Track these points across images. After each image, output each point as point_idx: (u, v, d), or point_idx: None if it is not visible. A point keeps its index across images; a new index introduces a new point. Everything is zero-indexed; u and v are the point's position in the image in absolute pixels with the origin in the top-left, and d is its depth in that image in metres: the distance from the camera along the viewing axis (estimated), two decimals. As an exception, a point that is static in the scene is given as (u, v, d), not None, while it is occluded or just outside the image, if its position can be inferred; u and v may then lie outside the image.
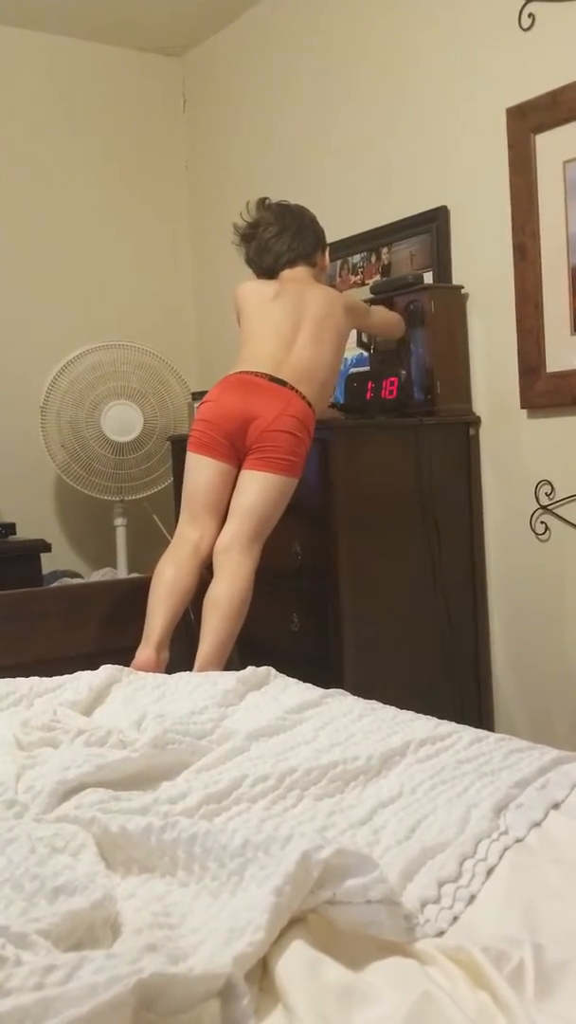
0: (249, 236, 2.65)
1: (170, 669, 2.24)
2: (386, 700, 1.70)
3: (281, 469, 2.41)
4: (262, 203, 2.67)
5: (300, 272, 2.61)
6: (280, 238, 2.61)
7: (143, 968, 0.70)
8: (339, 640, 2.58)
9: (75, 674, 1.90)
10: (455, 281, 2.85)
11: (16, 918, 0.83)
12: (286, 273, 2.61)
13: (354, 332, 2.92)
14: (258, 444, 2.41)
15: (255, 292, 2.61)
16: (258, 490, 2.41)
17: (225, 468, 2.47)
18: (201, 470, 2.50)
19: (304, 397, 2.45)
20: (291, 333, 2.52)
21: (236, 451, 2.46)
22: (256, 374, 2.48)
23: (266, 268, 2.64)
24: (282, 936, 0.85)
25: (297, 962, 0.82)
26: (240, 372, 2.50)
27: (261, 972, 0.84)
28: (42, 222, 3.68)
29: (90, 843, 1.00)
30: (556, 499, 2.64)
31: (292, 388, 2.45)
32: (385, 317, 2.77)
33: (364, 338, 2.96)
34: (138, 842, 1.01)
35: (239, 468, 2.46)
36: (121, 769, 1.26)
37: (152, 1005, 0.70)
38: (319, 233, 2.68)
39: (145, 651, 2.34)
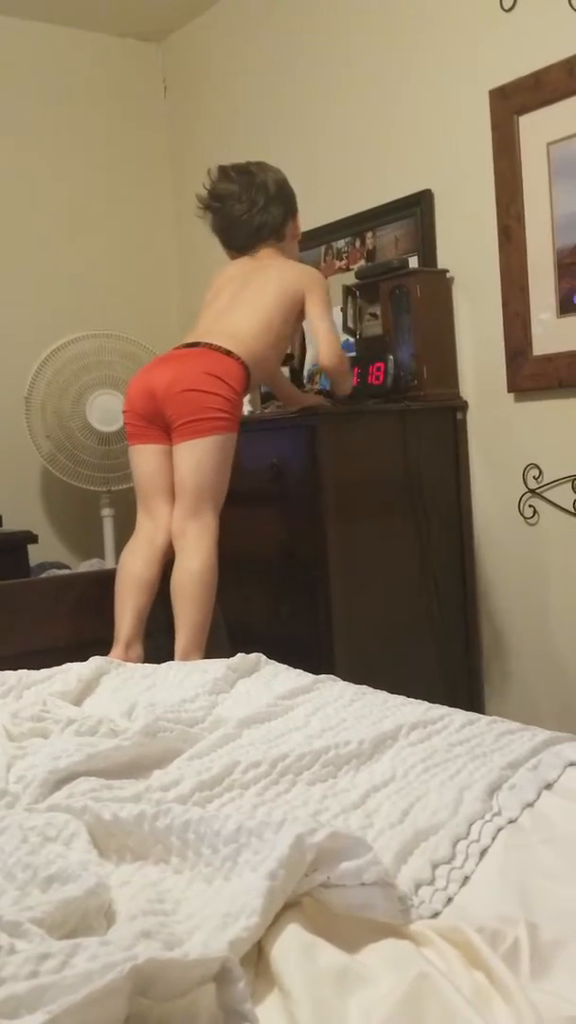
0: (216, 209, 2.57)
1: (158, 656, 2.24)
2: (377, 685, 1.70)
3: (204, 431, 2.32)
4: (224, 171, 2.57)
5: (266, 252, 2.56)
6: (248, 216, 2.53)
7: (137, 954, 0.69)
8: (329, 626, 2.58)
9: (64, 665, 1.89)
10: (440, 265, 2.84)
11: (9, 907, 0.82)
12: (252, 253, 2.57)
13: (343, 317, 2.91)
14: (173, 414, 2.34)
15: (218, 276, 2.59)
16: (188, 461, 2.34)
17: (159, 449, 2.42)
18: (138, 459, 2.46)
19: (219, 348, 2.35)
20: (227, 305, 2.47)
21: (162, 429, 2.40)
22: (174, 348, 2.45)
23: (235, 246, 2.59)
24: (277, 920, 0.85)
25: (292, 946, 0.82)
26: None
27: (257, 956, 0.83)
28: (23, 211, 3.65)
29: (82, 832, 0.99)
30: (544, 483, 2.64)
31: (206, 345, 2.37)
32: (329, 342, 2.46)
33: (351, 324, 2.94)
34: (131, 830, 1.00)
35: None
36: (112, 758, 1.26)
37: (147, 991, 0.70)
38: (287, 199, 2.58)
39: (115, 650, 2.33)
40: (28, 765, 1.23)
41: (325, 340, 2.48)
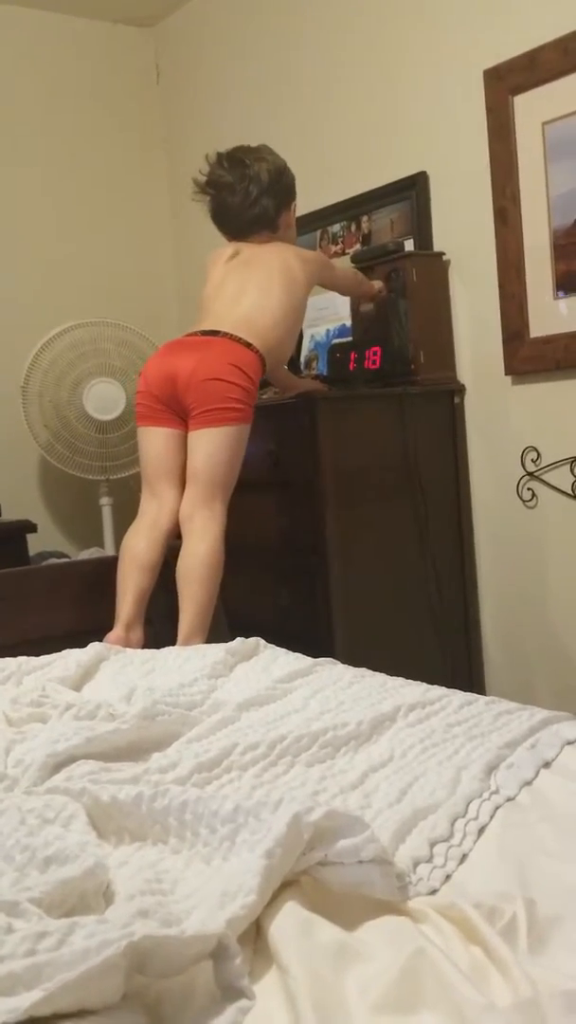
0: (212, 196, 2.57)
1: (157, 644, 2.24)
2: (376, 670, 1.70)
3: (222, 420, 2.34)
4: (220, 160, 2.56)
5: (266, 236, 2.56)
6: (243, 206, 2.52)
7: (134, 931, 0.70)
8: (328, 612, 2.58)
9: (63, 652, 1.89)
10: (436, 248, 2.83)
11: (7, 888, 0.83)
12: (249, 239, 2.57)
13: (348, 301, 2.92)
14: (193, 401, 2.35)
15: (216, 257, 2.59)
16: (204, 448, 2.35)
17: (170, 433, 2.43)
18: (147, 441, 2.47)
19: (240, 340, 2.38)
20: (237, 291, 2.48)
21: (177, 414, 2.41)
22: (190, 334, 2.45)
23: (233, 232, 2.60)
24: (275, 898, 0.85)
25: (290, 923, 0.82)
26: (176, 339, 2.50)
27: (255, 934, 0.84)
28: (16, 199, 3.63)
29: (80, 813, 0.99)
30: (542, 465, 2.63)
31: (226, 335, 2.39)
32: (349, 274, 2.75)
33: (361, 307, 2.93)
34: (129, 811, 1.00)
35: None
36: (111, 741, 1.26)
37: (144, 968, 0.70)
38: (284, 187, 2.57)
39: (115, 632, 2.32)
40: (27, 749, 1.23)
41: (358, 279, 2.76)
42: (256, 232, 2.56)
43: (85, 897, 0.85)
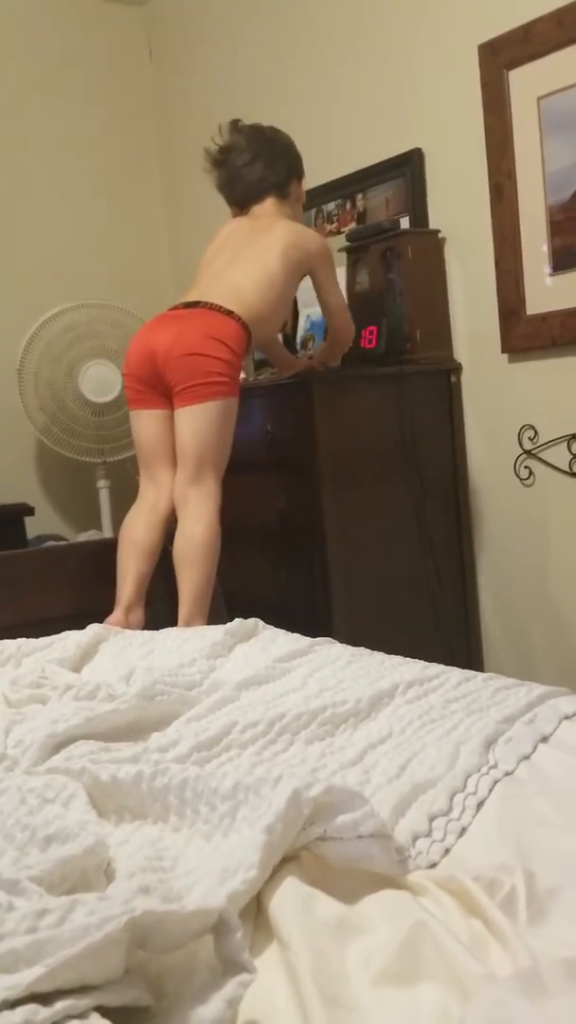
0: (220, 162, 2.55)
1: (156, 625, 2.24)
2: (374, 649, 1.70)
3: (204, 396, 2.29)
4: (234, 126, 2.56)
5: (269, 206, 2.52)
6: (252, 166, 2.50)
7: (135, 907, 0.70)
8: (327, 593, 2.58)
9: (62, 633, 1.89)
10: (432, 225, 2.82)
11: (8, 866, 0.83)
12: (255, 209, 2.53)
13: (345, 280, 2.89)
14: (173, 378, 2.30)
15: (219, 230, 2.56)
16: (189, 427, 2.32)
17: (159, 414, 2.39)
18: (138, 424, 2.44)
19: (220, 309, 2.31)
20: (229, 261, 2.43)
21: (162, 394, 2.37)
22: (171, 308, 2.40)
23: (237, 199, 2.56)
24: (275, 874, 0.86)
25: (291, 898, 0.83)
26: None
27: (256, 910, 0.84)
28: (9, 180, 3.61)
29: (81, 793, 1.00)
30: (539, 443, 2.63)
31: (207, 305, 2.32)
32: (341, 301, 2.59)
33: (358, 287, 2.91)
34: (129, 790, 1.01)
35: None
36: (110, 721, 1.26)
37: (145, 943, 0.70)
38: (294, 160, 2.57)
39: (115, 615, 2.33)
40: (27, 729, 1.23)
41: (344, 317, 2.59)
42: (265, 192, 2.51)
43: (86, 875, 0.86)
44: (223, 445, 2.35)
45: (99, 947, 0.67)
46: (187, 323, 2.32)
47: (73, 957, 0.66)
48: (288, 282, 2.44)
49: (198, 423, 2.31)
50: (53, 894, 0.81)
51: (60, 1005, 0.64)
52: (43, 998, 0.65)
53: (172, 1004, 0.70)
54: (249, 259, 2.41)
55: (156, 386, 2.37)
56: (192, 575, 2.30)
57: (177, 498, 2.37)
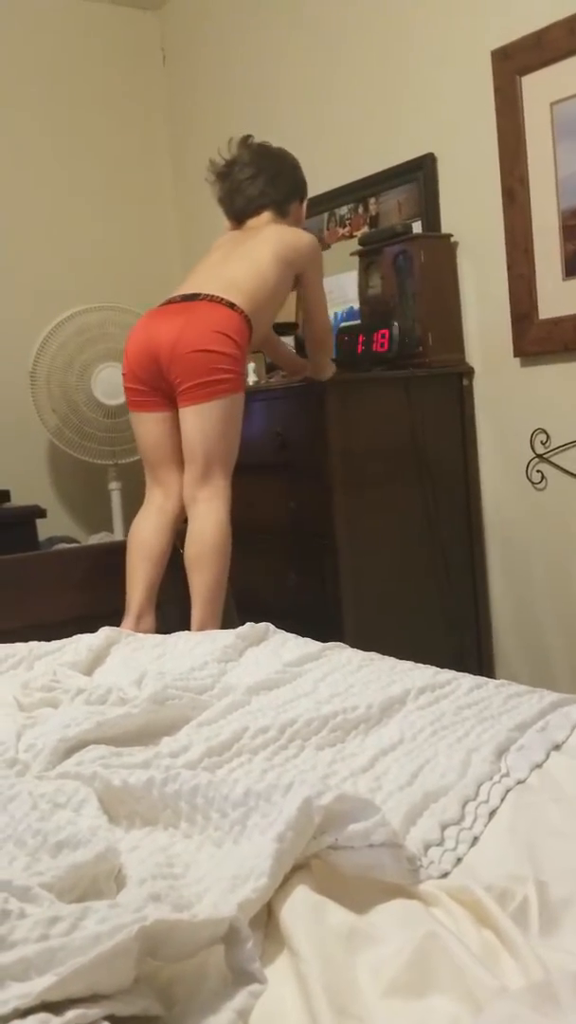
0: (224, 174, 2.52)
1: (168, 628, 2.24)
2: (384, 653, 1.70)
3: (212, 394, 2.23)
4: (244, 141, 2.54)
5: (265, 221, 2.48)
6: (254, 181, 2.47)
7: (146, 916, 0.70)
8: (337, 595, 2.58)
9: (74, 636, 1.89)
10: (444, 230, 2.81)
11: (19, 873, 0.83)
12: (251, 222, 2.49)
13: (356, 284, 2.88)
14: (179, 376, 2.24)
15: (215, 243, 2.53)
16: (197, 426, 2.27)
17: (163, 417, 2.35)
18: (141, 427, 2.40)
19: (223, 300, 2.24)
20: (223, 258, 2.39)
21: (165, 394, 2.32)
22: (169, 300, 2.34)
23: (236, 211, 2.52)
24: (286, 882, 0.85)
25: (301, 907, 0.82)
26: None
27: (266, 918, 0.84)
28: (22, 184, 3.62)
29: (92, 798, 1.00)
30: (552, 447, 2.62)
31: (207, 297, 2.25)
32: (325, 317, 2.52)
33: (370, 291, 2.91)
34: (140, 795, 1.00)
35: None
36: (121, 725, 1.26)
37: (156, 952, 0.70)
38: (298, 182, 2.54)
39: (126, 621, 2.33)
40: (38, 734, 1.23)
41: (324, 318, 2.52)
42: (261, 211, 2.48)
43: (97, 882, 0.86)
44: (231, 443, 2.32)
45: (110, 956, 0.67)
46: (190, 316, 2.25)
47: (84, 966, 0.66)
48: (280, 279, 2.38)
49: (206, 422, 2.27)
50: (64, 901, 0.82)
51: (71, 1014, 0.64)
52: (54, 1007, 0.65)
53: (182, 1013, 0.70)
54: (241, 255, 2.37)
55: (158, 387, 2.32)
56: (204, 578, 2.28)
57: (186, 499, 2.35)
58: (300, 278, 2.46)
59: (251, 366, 2.96)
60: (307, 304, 2.54)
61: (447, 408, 2.78)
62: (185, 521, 2.39)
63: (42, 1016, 0.64)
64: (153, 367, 2.30)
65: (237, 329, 2.25)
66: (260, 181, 2.48)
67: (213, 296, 2.26)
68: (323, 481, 2.58)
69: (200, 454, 2.30)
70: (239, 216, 2.53)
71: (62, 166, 3.70)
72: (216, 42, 3.61)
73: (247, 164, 2.50)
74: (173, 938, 0.70)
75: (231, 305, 2.25)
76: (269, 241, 2.38)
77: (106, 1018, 0.66)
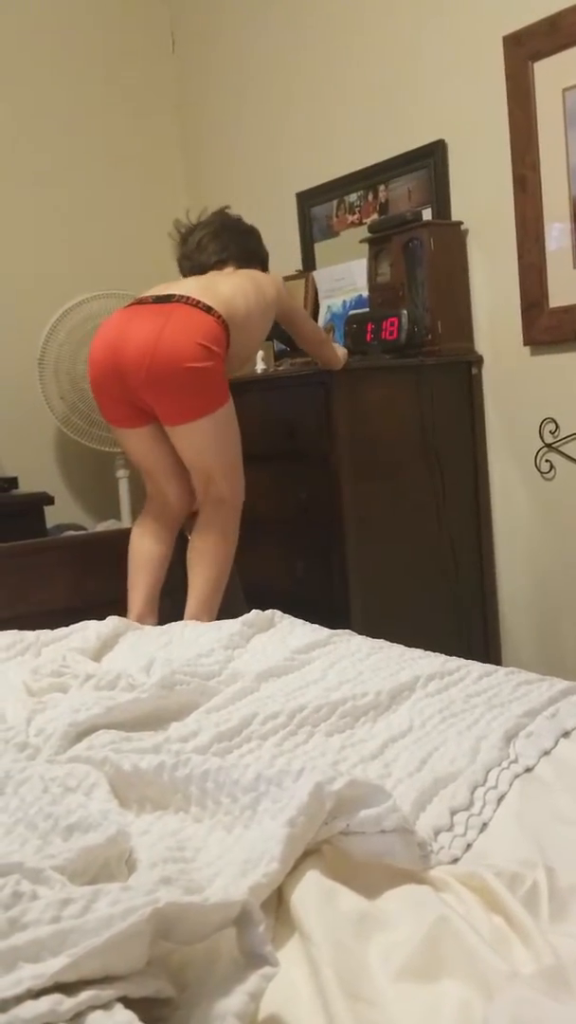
0: (187, 234, 2.46)
1: (175, 616, 2.24)
2: (392, 641, 1.70)
3: (201, 412, 2.10)
4: (219, 210, 2.50)
5: (228, 271, 2.38)
6: (216, 238, 2.41)
7: (159, 898, 0.70)
8: (345, 584, 2.58)
9: (81, 623, 1.90)
10: (454, 217, 2.80)
11: (31, 855, 0.83)
12: (213, 273, 2.38)
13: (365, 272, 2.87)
14: (157, 395, 2.08)
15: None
16: (190, 447, 2.16)
17: (147, 432, 2.21)
18: (128, 444, 2.30)
19: (199, 304, 2.08)
20: (194, 280, 2.28)
21: (137, 408, 2.14)
22: (140, 300, 2.17)
23: (198, 266, 2.42)
24: (296, 867, 0.85)
25: (312, 892, 0.82)
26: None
27: (277, 903, 0.84)
28: (32, 171, 3.61)
29: (103, 782, 1.00)
30: (561, 437, 2.62)
31: (182, 299, 2.08)
32: (311, 323, 2.47)
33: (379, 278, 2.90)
34: (151, 780, 1.01)
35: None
36: (131, 710, 1.27)
37: (168, 934, 0.70)
38: (261, 251, 2.50)
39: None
40: (48, 718, 1.24)
41: (314, 326, 2.46)
42: (224, 265, 2.40)
43: (108, 865, 0.86)
44: (229, 453, 2.23)
45: (123, 937, 0.67)
46: (167, 325, 2.07)
47: (97, 947, 0.66)
48: (260, 309, 2.25)
49: (199, 441, 2.16)
50: (75, 883, 0.82)
51: (84, 995, 0.65)
52: (67, 988, 0.65)
53: (194, 996, 0.70)
54: (216, 280, 2.27)
55: (128, 400, 2.16)
56: (199, 582, 2.27)
57: (199, 502, 2.32)
58: (280, 310, 2.36)
59: (259, 354, 2.95)
60: (292, 323, 2.45)
61: (456, 397, 2.77)
62: (193, 515, 2.38)
63: (55, 997, 0.64)
64: (118, 382, 2.14)
65: (216, 337, 2.09)
66: (224, 238, 2.43)
67: (189, 298, 2.11)
68: (331, 469, 2.57)
69: (200, 470, 2.24)
70: (202, 270, 2.43)
71: (70, 151, 3.68)
72: (225, 29, 3.59)
73: (210, 224, 2.45)
74: (185, 921, 0.70)
75: (208, 309, 2.10)
76: (243, 275, 2.31)
77: (119, 999, 0.66)
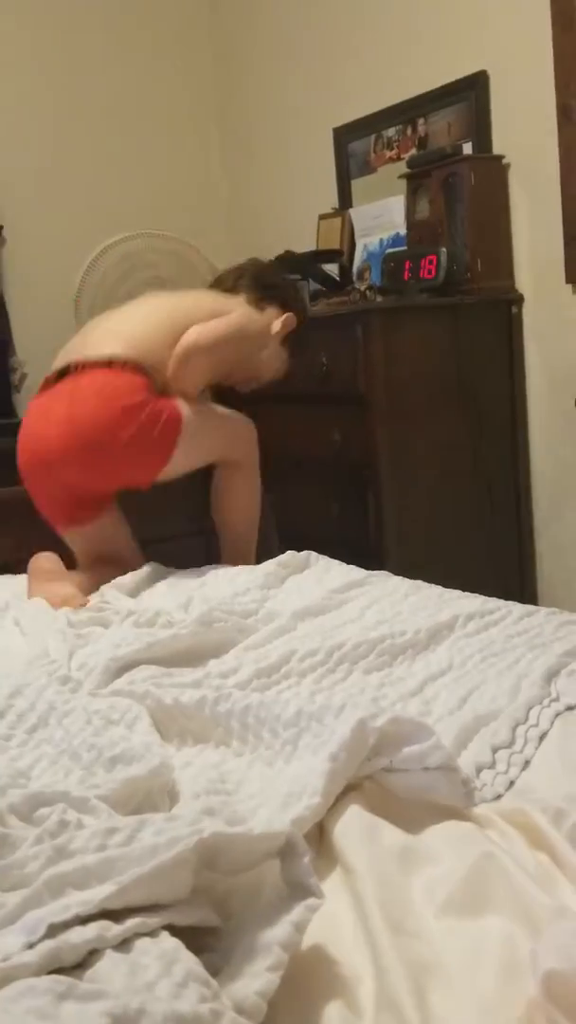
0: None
1: (210, 559, 2.23)
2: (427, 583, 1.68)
3: (158, 464, 1.82)
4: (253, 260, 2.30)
5: (237, 300, 2.10)
6: (237, 269, 2.20)
7: (204, 828, 0.70)
8: (379, 526, 2.56)
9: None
10: (496, 151, 2.72)
11: (75, 785, 0.84)
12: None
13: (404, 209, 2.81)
14: (108, 482, 1.84)
15: None
16: (177, 478, 1.91)
17: (99, 523, 1.88)
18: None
19: (97, 363, 1.80)
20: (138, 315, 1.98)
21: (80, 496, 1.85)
22: (43, 384, 1.89)
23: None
24: (338, 802, 0.85)
25: (355, 826, 0.82)
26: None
27: (319, 837, 0.84)
28: (71, 115, 3.59)
29: (144, 715, 1.00)
30: (601, 377, 2.57)
31: (83, 365, 1.80)
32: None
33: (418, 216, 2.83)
34: (192, 714, 1.01)
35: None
36: (171, 646, 1.27)
37: (213, 864, 0.71)
38: (287, 290, 2.24)
39: None
40: (90, 652, 1.24)
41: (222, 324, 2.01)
42: (238, 290, 2.14)
43: (151, 795, 0.86)
44: (215, 442, 1.99)
45: (170, 866, 0.67)
46: (73, 412, 1.77)
47: (143, 876, 0.66)
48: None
49: (183, 470, 1.91)
50: (119, 813, 0.82)
51: (131, 922, 0.65)
52: (114, 915, 0.66)
53: (239, 925, 0.70)
54: (152, 306, 2.01)
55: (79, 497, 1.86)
56: (226, 545, 2.14)
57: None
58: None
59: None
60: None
61: (495, 337, 2.72)
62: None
63: (102, 923, 0.64)
64: (58, 485, 1.84)
65: (130, 387, 1.78)
66: (243, 267, 2.21)
67: (84, 363, 1.81)
68: (366, 411, 2.54)
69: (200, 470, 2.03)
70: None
71: (108, 99, 3.65)
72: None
73: (239, 266, 2.24)
74: (230, 851, 0.71)
75: (108, 363, 1.80)
76: (223, 298, 2.09)
77: (164, 927, 0.67)
